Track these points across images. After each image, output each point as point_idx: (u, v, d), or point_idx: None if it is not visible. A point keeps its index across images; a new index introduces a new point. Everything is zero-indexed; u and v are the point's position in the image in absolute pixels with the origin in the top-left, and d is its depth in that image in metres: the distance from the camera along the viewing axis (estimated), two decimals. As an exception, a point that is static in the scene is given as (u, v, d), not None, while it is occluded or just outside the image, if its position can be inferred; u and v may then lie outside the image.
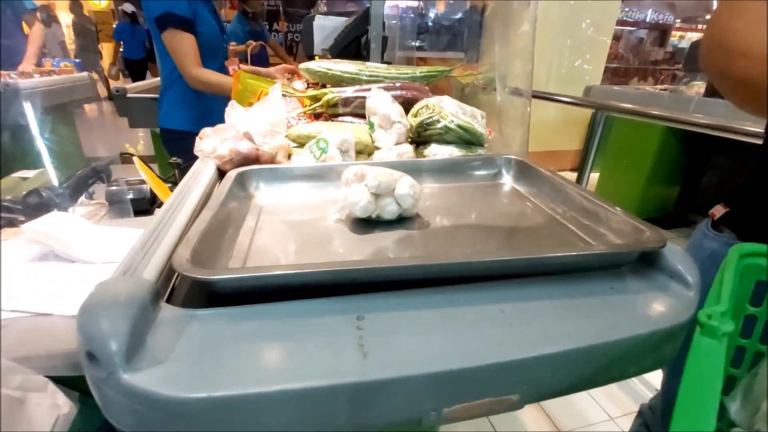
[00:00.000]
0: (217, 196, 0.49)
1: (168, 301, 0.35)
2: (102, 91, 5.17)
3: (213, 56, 1.37)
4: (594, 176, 2.47)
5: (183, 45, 1.22)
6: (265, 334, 0.31)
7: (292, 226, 0.52)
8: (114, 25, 6.31)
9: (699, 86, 2.55)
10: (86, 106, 6.07)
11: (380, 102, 0.77)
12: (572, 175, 2.52)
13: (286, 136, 0.75)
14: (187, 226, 0.43)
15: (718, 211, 0.53)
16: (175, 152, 1.33)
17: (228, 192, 0.51)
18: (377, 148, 0.76)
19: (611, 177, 2.55)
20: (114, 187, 0.89)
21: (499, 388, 0.31)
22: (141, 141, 3.99)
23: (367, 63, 0.90)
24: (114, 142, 4.29)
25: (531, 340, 0.32)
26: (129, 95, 1.69)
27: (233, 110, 0.66)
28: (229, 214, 0.48)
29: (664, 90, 2.67)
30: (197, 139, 0.67)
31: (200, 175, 0.60)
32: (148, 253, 0.37)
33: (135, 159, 0.73)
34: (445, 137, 0.75)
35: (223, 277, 0.33)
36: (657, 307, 0.37)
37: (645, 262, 0.43)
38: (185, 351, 0.29)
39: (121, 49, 6.00)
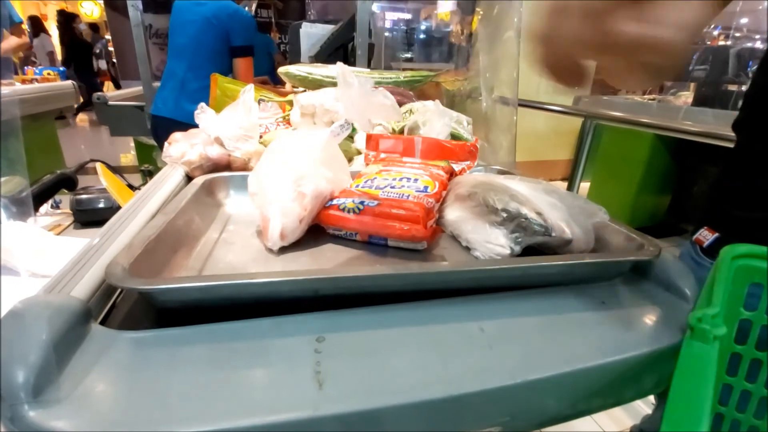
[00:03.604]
0: (176, 203, 0.44)
1: (104, 321, 0.31)
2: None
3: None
4: (584, 186, 2.45)
5: (249, 70, 1.52)
6: (207, 360, 0.27)
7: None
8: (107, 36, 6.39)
9: (686, 96, 2.57)
10: (80, 116, 6.01)
11: (362, 106, 0.74)
12: (563, 185, 2.51)
13: (261, 142, 0.71)
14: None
15: (706, 237, 0.47)
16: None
17: (190, 199, 0.47)
18: (359, 153, 0.72)
19: (602, 186, 2.54)
20: (82, 196, 0.84)
21: (477, 420, 0.27)
22: (132, 151, 3.91)
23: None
24: (105, 151, 4.20)
25: (514, 364, 0.28)
26: (110, 103, 1.65)
27: (203, 113, 0.62)
28: (189, 222, 0.44)
29: (652, 100, 2.69)
30: (165, 144, 0.63)
31: (165, 182, 0.56)
32: (85, 267, 0.33)
33: (98, 165, 0.69)
34: (429, 143, 0.72)
35: (160, 287, 0.28)
36: (654, 323, 0.34)
37: (638, 273, 0.40)
38: (110, 381, 0.25)
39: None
